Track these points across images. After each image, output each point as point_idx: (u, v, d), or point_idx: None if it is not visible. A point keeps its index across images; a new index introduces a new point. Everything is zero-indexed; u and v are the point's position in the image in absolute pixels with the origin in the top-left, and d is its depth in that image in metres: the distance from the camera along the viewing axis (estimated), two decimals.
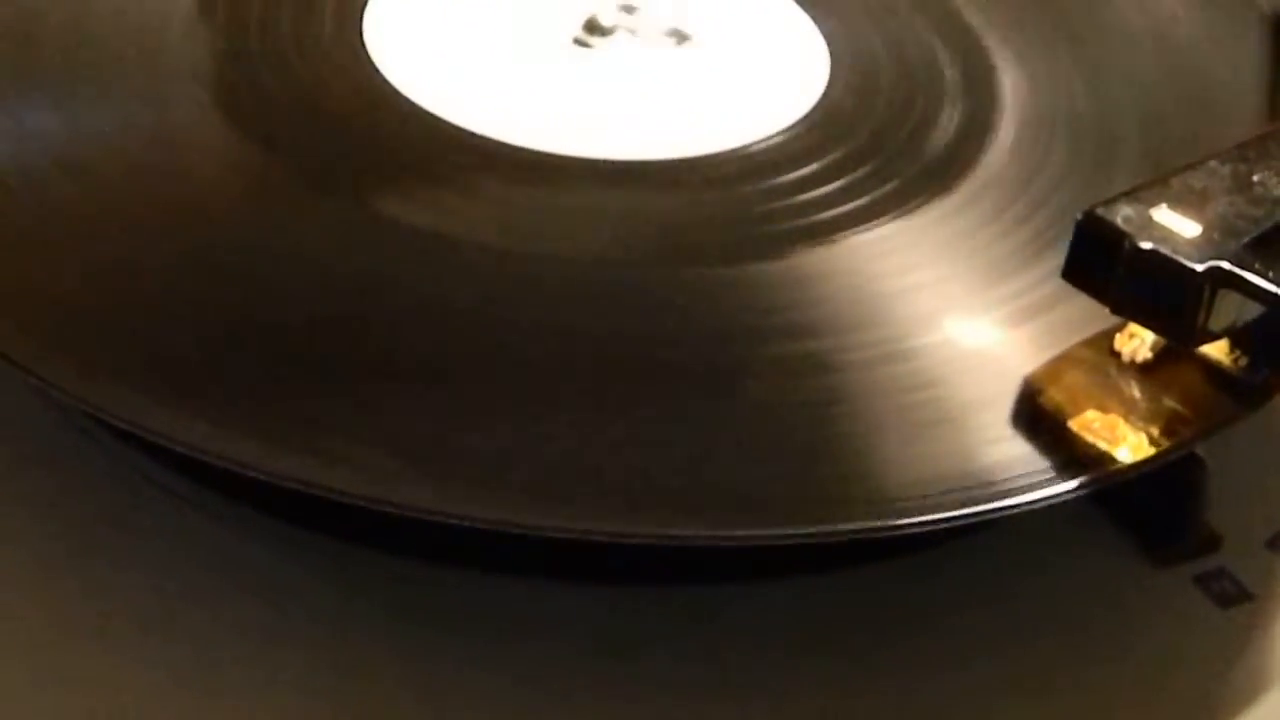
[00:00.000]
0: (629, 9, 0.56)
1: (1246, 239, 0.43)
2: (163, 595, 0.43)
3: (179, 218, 0.47)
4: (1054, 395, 0.44)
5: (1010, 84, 0.55)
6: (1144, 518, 0.48)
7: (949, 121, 0.53)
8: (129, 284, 0.44)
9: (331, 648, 0.43)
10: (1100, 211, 0.43)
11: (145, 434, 0.41)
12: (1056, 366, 0.45)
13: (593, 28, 0.55)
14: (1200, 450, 0.46)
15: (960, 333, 0.47)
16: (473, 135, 0.50)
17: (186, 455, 0.40)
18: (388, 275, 0.46)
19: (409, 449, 0.41)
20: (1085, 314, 0.45)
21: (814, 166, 0.51)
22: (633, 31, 0.55)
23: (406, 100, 0.51)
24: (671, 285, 0.47)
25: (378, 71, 0.52)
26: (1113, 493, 0.45)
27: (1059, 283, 0.45)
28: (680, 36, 0.55)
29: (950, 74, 0.55)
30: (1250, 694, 0.45)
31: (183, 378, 0.42)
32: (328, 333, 0.44)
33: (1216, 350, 0.44)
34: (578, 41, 0.55)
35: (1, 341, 0.42)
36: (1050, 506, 0.42)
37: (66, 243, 0.46)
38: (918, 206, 0.50)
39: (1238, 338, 0.44)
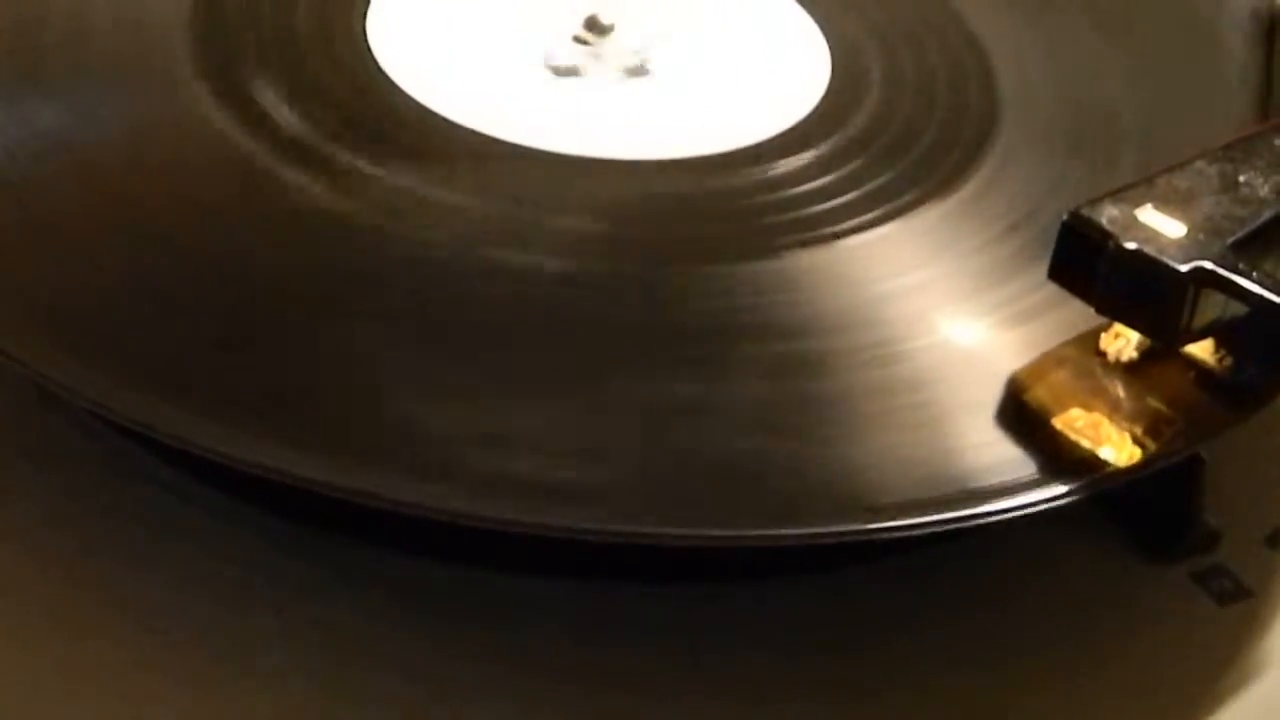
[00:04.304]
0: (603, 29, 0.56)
1: (1232, 239, 0.43)
2: (161, 594, 0.44)
3: (180, 217, 0.47)
4: (1039, 394, 0.44)
5: (1010, 85, 0.55)
6: (1143, 515, 0.48)
7: (948, 123, 0.53)
8: (129, 283, 0.45)
9: (330, 646, 0.43)
10: (1085, 211, 0.44)
11: (147, 432, 0.41)
12: (1041, 366, 0.45)
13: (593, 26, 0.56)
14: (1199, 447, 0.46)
15: (955, 336, 0.47)
16: (473, 133, 0.51)
17: (187, 452, 0.41)
18: (388, 272, 0.46)
19: (411, 449, 0.42)
20: (1081, 318, 0.45)
21: (812, 169, 0.51)
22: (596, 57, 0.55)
23: (410, 98, 0.52)
24: (667, 284, 0.47)
25: (381, 70, 0.52)
26: (1111, 491, 0.45)
27: (1056, 286, 0.45)
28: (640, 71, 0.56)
29: (950, 76, 0.55)
30: (1247, 690, 0.45)
31: (184, 377, 0.42)
32: (329, 331, 0.44)
33: (1201, 350, 0.44)
34: (578, 40, 0.55)
35: (2, 340, 0.42)
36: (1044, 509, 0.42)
37: (67, 242, 0.46)
38: (915, 208, 0.50)
39: (1222, 337, 0.44)
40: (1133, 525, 0.48)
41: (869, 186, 0.50)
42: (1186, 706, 0.45)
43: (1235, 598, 0.47)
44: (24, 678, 0.42)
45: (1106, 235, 0.43)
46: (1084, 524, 0.48)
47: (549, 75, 0.54)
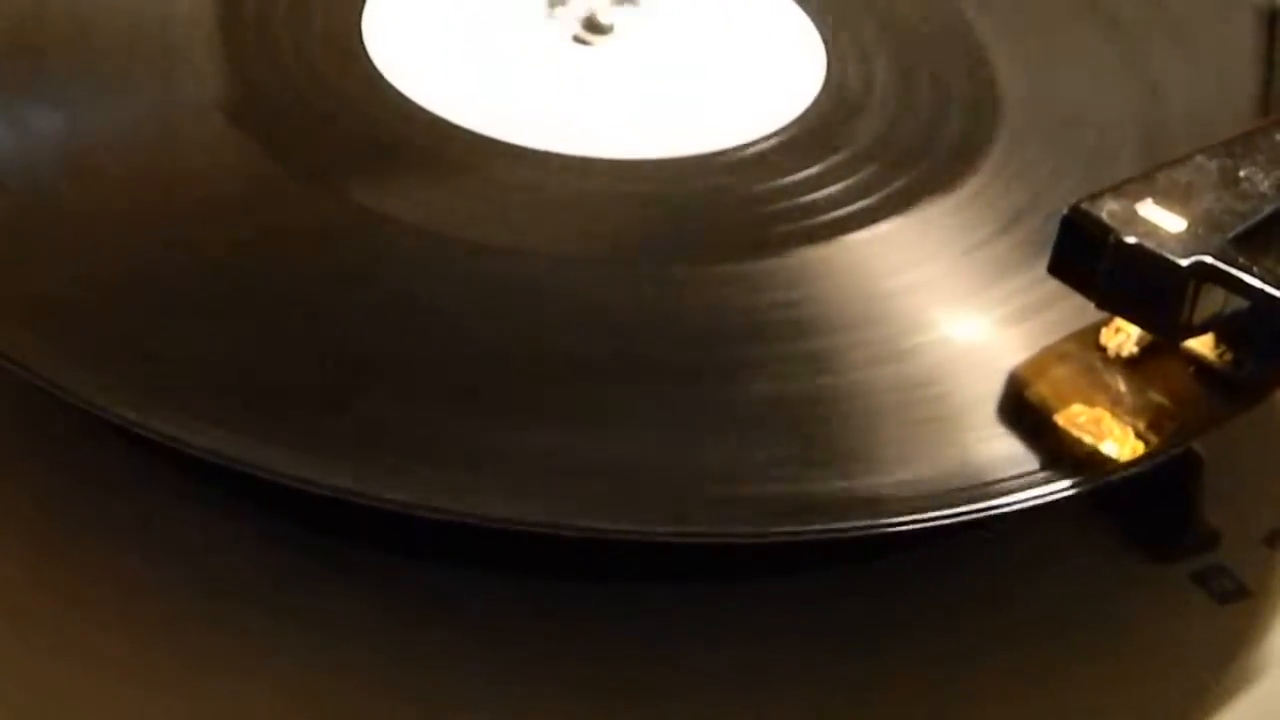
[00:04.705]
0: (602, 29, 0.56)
1: (1232, 234, 0.43)
2: (154, 594, 0.44)
3: (180, 218, 0.47)
4: (1040, 390, 0.44)
5: (1010, 83, 0.55)
6: (1143, 514, 0.48)
7: (947, 120, 0.53)
8: (130, 284, 0.45)
9: (324, 647, 0.43)
10: (1086, 206, 0.44)
11: (147, 433, 0.41)
12: (1042, 361, 0.45)
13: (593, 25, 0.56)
14: (1198, 447, 0.46)
15: (958, 331, 0.47)
16: (471, 133, 0.51)
17: (184, 454, 0.41)
18: (387, 273, 0.46)
19: (409, 449, 0.42)
20: (1082, 313, 0.45)
21: (812, 165, 0.51)
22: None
23: (406, 99, 0.51)
24: (669, 283, 0.47)
25: (377, 70, 0.52)
26: (1111, 489, 0.45)
27: (1058, 282, 0.45)
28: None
29: (949, 73, 0.55)
30: (1247, 690, 0.45)
31: (184, 377, 0.42)
32: (328, 330, 0.44)
33: (1202, 345, 0.45)
34: (577, 40, 0.55)
35: (2, 342, 0.42)
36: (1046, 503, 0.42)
37: (67, 243, 0.46)
38: (916, 205, 0.50)
39: (1223, 332, 0.44)
40: (1133, 525, 0.48)
41: (868, 183, 0.50)
42: (1186, 706, 0.45)
43: (1235, 597, 0.47)
44: (18, 681, 0.42)
45: (1107, 230, 0.43)
46: (1084, 524, 0.48)
47: (547, 75, 0.54)
